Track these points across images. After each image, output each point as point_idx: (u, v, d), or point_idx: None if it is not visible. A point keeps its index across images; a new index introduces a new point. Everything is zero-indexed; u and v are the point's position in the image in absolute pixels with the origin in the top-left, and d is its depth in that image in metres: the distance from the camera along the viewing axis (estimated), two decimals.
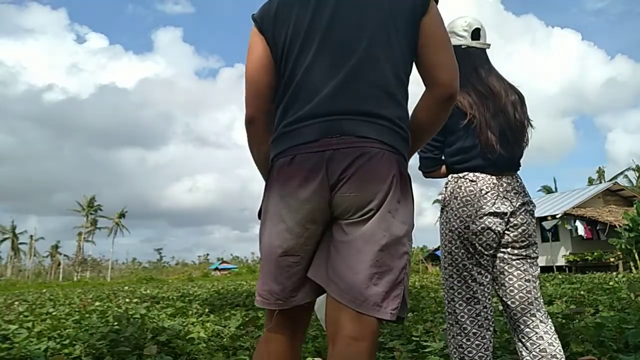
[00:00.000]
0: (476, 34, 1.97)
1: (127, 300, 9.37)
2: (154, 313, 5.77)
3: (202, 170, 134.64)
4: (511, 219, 1.82)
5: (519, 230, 1.83)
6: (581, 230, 20.94)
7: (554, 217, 21.21)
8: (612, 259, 19.61)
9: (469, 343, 1.79)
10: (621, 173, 34.72)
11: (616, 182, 27.59)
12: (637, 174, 33.40)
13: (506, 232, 1.83)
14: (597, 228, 20.95)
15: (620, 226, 18.84)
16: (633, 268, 17.64)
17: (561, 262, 21.62)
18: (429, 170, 1.97)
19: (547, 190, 33.93)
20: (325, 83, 1.22)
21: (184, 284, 23.53)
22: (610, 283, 8.99)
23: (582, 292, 6.73)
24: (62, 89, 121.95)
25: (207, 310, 6.40)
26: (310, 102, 1.22)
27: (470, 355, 1.78)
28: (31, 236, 62.70)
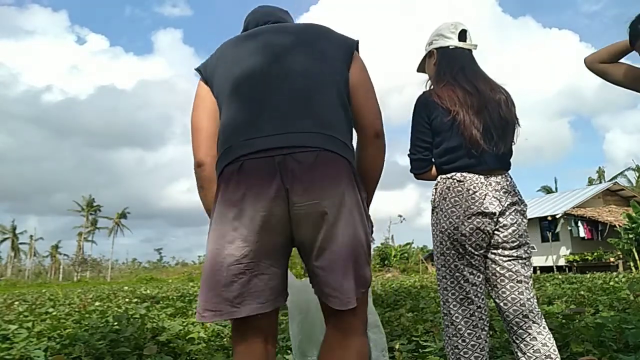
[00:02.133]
0: (463, 35, 2.02)
1: (127, 300, 9.36)
2: (154, 313, 5.77)
3: None
4: (500, 219, 1.82)
5: (509, 230, 1.82)
6: (581, 231, 20.95)
7: (554, 217, 21.21)
8: (612, 259, 19.61)
9: (464, 344, 1.80)
10: (621, 173, 34.74)
11: (616, 182, 27.58)
12: (637, 174, 33.39)
13: (496, 232, 1.82)
14: (598, 228, 20.95)
15: (620, 226, 18.84)
16: (633, 268, 17.63)
17: (561, 262, 21.61)
18: (420, 172, 1.98)
19: (547, 190, 33.95)
20: (269, 112, 1.27)
21: (184, 284, 23.52)
22: (610, 283, 8.99)
23: (582, 292, 6.73)
24: (61, 90, 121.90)
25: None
26: (255, 126, 1.25)
27: (466, 356, 1.78)
28: (31, 236, 62.75)
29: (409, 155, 1.99)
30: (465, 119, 1.82)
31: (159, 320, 4.80)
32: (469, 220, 1.78)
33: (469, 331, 1.80)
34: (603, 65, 1.97)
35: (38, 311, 6.82)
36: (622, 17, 1.88)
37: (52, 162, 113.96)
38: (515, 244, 1.84)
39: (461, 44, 2.00)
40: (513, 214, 1.84)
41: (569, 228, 21.40)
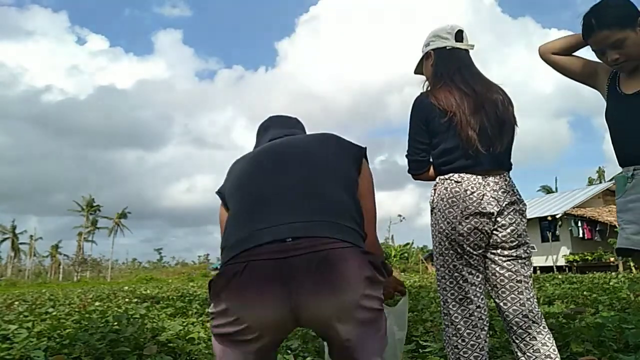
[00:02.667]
0: (459, 36, 2.02)
1: (127, 300, 9.37)
2: (154, 313, 5.77)
3: (201, 171, 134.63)
4: (499, 219, 1.82)
5: (508, 230, 1.82)
6: (581, 231, 20.95)
7: (554, 217, 21.22)
8: (612, 259, 19.61)
9: (463, 344, 1.80)
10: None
11: None
12: None
13: (494, 232, 1.82)
14: (597, 228, 20.96)
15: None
16: (633, 268, 17.63)
17: (561, 262, 21.62)
18: (418, 172, 1.98)
19: (547, 190, 33.97)
20: (279, 206, 1.24)
21: (184, 284, 23.52)
22: (610, 283, 8.99)
23: (582, 292, 6.74)
24: (60, 90, 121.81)
25: (207, 310, 6.40)
26: (262, 218, 1.21)
27: (466, 355, 1.79)
28: (31, 236, 62.77)
29: (406, 156, 1.99)
30: (462, 120, 1.82)
31: (159, 320, 4.81)
32: (467, 220, 1.79)
33: (468, 331, 1.80)
34: (556, 57, 1.88)
35: (38, 311, 6.82)
36: None
37: (52, 162, 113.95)
38: (515, 243, 1.84)
39: (458, 45, 2.00)
40: (512, 213, 1.84)
41: (569, 228, 21.41)
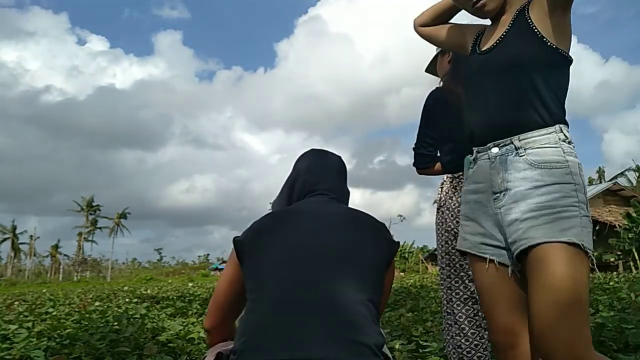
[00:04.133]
0: None
1: (127, 300, 9.36)
2: (154, 313, 5.77)
3: (200, 171, 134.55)
4: None
5: None
6: None
7: None
8: (612, 259, 19.61)
9: (467, 343, 1.79)
10: (621, 173, 34.72)
11: (616, 182, 27.58)
12: (637, 174, 33.40)
13: None
14: (597, 228, 20.95)
15: (620, 226, 18.83)
16: (633, 268, 17.63)
17: None
18: (423, 167, 1.96)
19: None
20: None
21: (184, 284, 23.51)
22: (610, 283, 8.99)
23: None
24: (59, 90, 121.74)
25: (207, 310, 6.39)
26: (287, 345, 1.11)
27: (469, 355, 1.78)
28: (31, 236, 62.72)
29: (413, 149, 1.96)
30: None
31: (159, 320, 4.81)
32: None
33: (472, 331, 1.79)
34: (427, 29, 1.66)
35: (38, 311, 6.82)
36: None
37: (53, 162, 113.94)
38: None
39: None
40: None
41: None
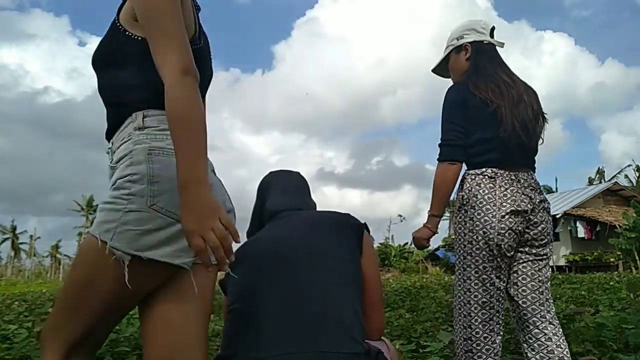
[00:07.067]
0: (492, 32, 2.05)
1: None
2: None
3: None
4: (531, 217, 1.79)
5: (539, 228, 1.80)
6: (581, 231, 20.94)
7: (554, 217, 21.20)
8: (612, 259, 19.61)
9: (478, 348, 1.76)
10: (620, 171, 34.72)
11: (616, 182, 27.56)
12: (637, 174, 33.39)
13: (526, 230, 1.79)
14: (597, 228, 20.95)
15: (620, 226, 18.83)
16: (633, 268, 17.62)
17: (561, 262, 21.62)
18: (455, 159, 1.85)
19: (547, 190, 33.91)
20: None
21: None
22: (611, 283, 8.98)
23: (582, 292, 6.73)
24: (58, 92, 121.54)
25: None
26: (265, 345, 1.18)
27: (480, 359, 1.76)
28: (31, 236, 62.70)
29: (445, 142, 1.86)
30: (506, 113, 1.80)
31: None
32: (504, 219, 1.74)
33: (485, 335, 1.76)
34: None
35: (38, 311, 6.81)
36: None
37: (52, 163, 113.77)
38: (544, 241, 1.82)
39: (493, 41, 2.02)
40: (542, 211, 1.82)
41: (569, 228, 21.40)
